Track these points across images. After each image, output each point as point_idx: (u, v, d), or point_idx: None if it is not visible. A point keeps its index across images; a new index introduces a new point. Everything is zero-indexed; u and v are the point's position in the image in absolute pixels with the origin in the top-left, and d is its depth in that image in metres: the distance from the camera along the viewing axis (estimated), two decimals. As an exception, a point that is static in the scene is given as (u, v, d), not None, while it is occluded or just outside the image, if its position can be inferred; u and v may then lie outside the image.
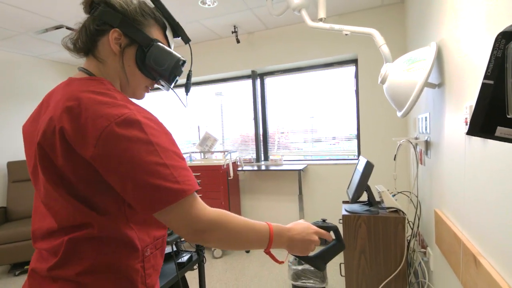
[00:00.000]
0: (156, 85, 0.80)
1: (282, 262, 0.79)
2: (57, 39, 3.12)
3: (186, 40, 0.79)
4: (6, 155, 3.46)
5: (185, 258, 1.59)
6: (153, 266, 0.72)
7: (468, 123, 0.60)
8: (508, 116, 0.57)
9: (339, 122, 3.24)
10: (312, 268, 2.06)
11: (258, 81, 3.52)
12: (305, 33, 3.07)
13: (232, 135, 3.80)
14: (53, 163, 0.61)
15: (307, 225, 0.79)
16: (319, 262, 0.83)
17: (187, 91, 0.84)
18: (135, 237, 0.67)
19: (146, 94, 0.80)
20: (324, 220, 0.85)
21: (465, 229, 1.10)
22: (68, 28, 2.83)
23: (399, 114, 1.53)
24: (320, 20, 1.75)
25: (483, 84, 0.68)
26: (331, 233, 0.84)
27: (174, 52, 0.73)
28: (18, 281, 2.80)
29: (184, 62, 0.75)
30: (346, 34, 1.69)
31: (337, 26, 1.70)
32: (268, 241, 0.70)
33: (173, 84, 0.78)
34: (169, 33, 0.76)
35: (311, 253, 0.82)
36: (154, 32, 0.72)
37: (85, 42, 0.69)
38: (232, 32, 3.13)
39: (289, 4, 1.80)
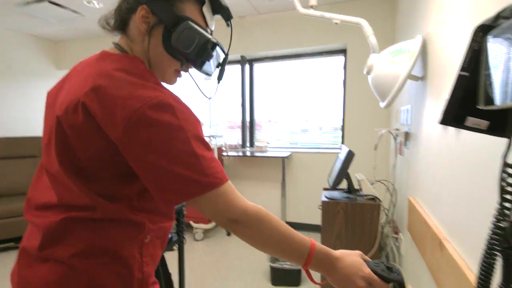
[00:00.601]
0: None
1: (317, 283, 0.69)
2: (40, 14, 2.96)
3: (228, 17, 0.70)
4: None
5: (166, 237, 1.61)
6: (151, 255, 0.68)
7: (442, 113, 0.63)
8: (478, 107, 0.60)
9: (327, 112, 3.28)
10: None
11: (247, 67, 3.49)
12: (297, 20, 3.05)
13: (219, 120, 3.79)
14: (68, 141, 0.58)
15: (359, 262, 0.64)
16: None
17: (219, 78, 0.76)
18: (140, 221, 0.64)
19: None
20: (389, 268, 0.64)
21: (435, 216, 1.17)
22: (50, 2, 2.69)
23: (382, 104, 1.57)
24: (311, 7, 1.74)
25: (459, 76, 0.71)
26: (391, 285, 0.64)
27: (205, 33, 0.64)
28: (-6, 257, 2.75)
29: (215, 44, 0.66)
30: (336, 23, 1.70)
31: (327, 14, 1.70)
32: (305, 260, 0.62)
33: (212, 71, 0.71)
34: (207, 9, 0.67)
35: None
36: (188, 8, 0.64)
37: (118, 21, 0.66)
38: (223, 14, 3.07)
39: (281, -12, 1.78)
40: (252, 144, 3.61)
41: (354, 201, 1.85)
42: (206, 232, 3.25)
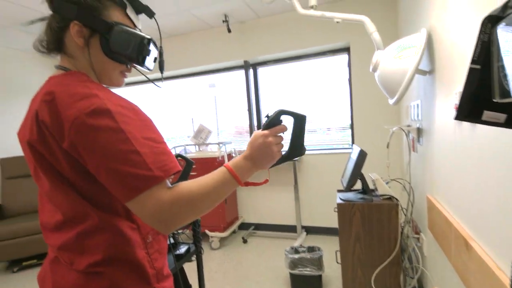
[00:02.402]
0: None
1: (267, 180, 0.78)
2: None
3: (150, 14, 0.76)
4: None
5: (182, 250, 1.61)
6: (158, 251, 0.74)
7: (456, 108, 0.60)
8: (494, 100, 0.57)
9: (333, 112, 3.24)
10: (309, 256, 2.09)
11: (251, 72, 3.49)
12: (297, 21, 3.04)
13: (227, 126, 3.79)
14: (45, 158, 0.63)
15: (255, 136, 0.72)
16: (295, 150, 0.77)
17: (161, 68, 0.81)
18: (133, 227, 0.69)
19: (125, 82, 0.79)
20: (267, 116, 0.74)
21: (456, 214, 1.12)
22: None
23: (391, 101, 1.53)
24: (311, 7, 1.72)
25: (470, 69, 0.68)
26: (283, 119, 0.75)
27: (137, 32, 0.70)
28: (17, 277, 2.81)
29: (149, 40, 0.72)
30: (337, 22, 1.67)
31: (328, 14, 1.68)
32: (235, 179, 0.68)
33: (151, 65, 0.76)
34: (130, 11, 0.72)
35: (284, 150, 0.75)
36: (114, 14, 0.68)
37: (53, 42, 0.68)
38: (223, 21, 3.08)
39: (280, -8, 1.77)
40: (262, 149, 3.58)
41: (370, 202, 1.80)
42: (222, 240, 3.23)
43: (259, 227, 3.51)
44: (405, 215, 1.95)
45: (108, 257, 0.65)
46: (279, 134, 0.73)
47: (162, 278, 0.73)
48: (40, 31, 0.70)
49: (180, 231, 1.65)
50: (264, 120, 0.75)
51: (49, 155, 0.62)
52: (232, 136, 3.77)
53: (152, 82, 0.84)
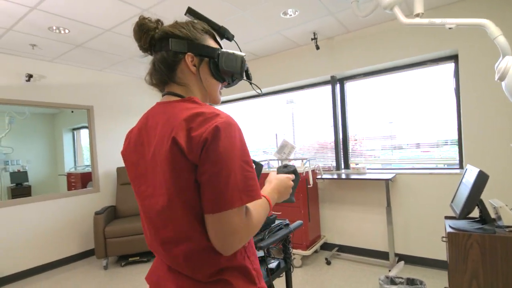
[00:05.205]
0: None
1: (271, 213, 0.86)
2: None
3: (232, 37, 0.87)
4: (116, 162, 4.07)
5: (273, 264, 1.60)
6: (254, 254, 0.81)
7: None
8: None
9: (427, 126, 2.90)
10: (409, 289, 1.85)
11: (337, 86, 3.40)
12: (390, 32, 2.86)
13: (304, 142, 3.75)
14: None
15: (277, 179, 0.89)
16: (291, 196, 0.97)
17: (250, 78, 0.91)
18: None
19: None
20: (286, 166, 1.00)
21: None
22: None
23: (525, 115, 1.28)
24: (417, 15, 1.60)
25: None
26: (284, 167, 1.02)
27: (237, 52, 0.82)
28: (124, 271, 3.23)
29: (244, 56, 0.84)
30: (449, 28, 1.51)
31: (438, 20, 1.53)
32: (270, 210, 0.79)
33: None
34: (217, 37, 0.85)
35: None
36: (211, 42, 0.81)
37: (167, 74, 0.78)
38: (312, 39, 3.11)
39: (380, 3, 1.69)
40: (347, 166, 3.42)
41: (492, 233, 1.51)
42: (304, 259, 3.14)
43: (343, 249, 3.30)
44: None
45: (224, 267, 0.71)
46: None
47: (261, 278, 0.80)
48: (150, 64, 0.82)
49: (272, 246, 1.66)
50: (282, 165, 1.04)
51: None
52: (312, 152, 3.70)
53: (256, 86, 0.98)
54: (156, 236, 0.73)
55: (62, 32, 2.67)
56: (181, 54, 0.76)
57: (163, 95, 0.81)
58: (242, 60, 0.82)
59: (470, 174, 1.64)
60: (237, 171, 0.64)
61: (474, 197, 1.55)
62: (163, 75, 0.78)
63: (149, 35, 0.77)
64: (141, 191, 0.76)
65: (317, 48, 3.10)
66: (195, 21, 0.82)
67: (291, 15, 2.59)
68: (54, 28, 2.58)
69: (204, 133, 0.63)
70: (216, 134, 0.63)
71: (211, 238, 0.66)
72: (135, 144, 0.78)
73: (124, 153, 0.83)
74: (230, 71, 0.80)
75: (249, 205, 0.71)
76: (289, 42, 3.30)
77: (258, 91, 0.99)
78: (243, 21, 2.68)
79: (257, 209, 0.72)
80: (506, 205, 1.62)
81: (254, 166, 1.23)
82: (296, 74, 3.52)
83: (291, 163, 3.47)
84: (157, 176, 0.70)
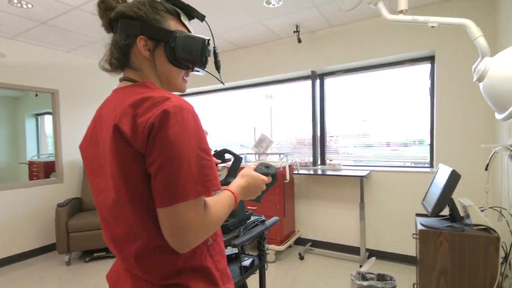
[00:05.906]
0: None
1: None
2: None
3: (201, 17, 0.79)
4: (83, 150, 3.82)
5: (247, 262, 1.55)
6: (219, 253, 0.75)
7: None
8: None
9: (399, 126, 2.96)
10: (380, 286, 1.88)
11: (317, 82, 3.39)
12: (372, 29, 2.87)
13: (282, 137, 3.72)
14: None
15: (256, 175, 0.85)
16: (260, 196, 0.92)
17: (218, 68, 0.83)
18: None
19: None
20: (267, 166, 0.94)
21: None
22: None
23: (500, 116, 1.30)
24: (401, 12, 1.58)
25: None
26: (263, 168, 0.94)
27: (197, 35, 0.73)
28: (88, 267, 3.05)
29: (208, 40, 0.74)
30: (432, 27, 1.50)
31: (421, 18, 1.52)
32: (235, 205, 0.74)
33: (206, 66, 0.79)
34: (184, 18, 0.75)
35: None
36: (172, 24, 0.72)
37: (119, 59, 0.71)
38: (294, 32, 3.05)
39: (365, -3, 1.66)
40: (323, 162, 3.43)
41: (461, 232, 1.55)
42: (277, 254, 3.13)
43: (316, 244, 3.33)
44: (505, 252, 1.64)
45: (181, 268, 0.66)
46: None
47: (226, 280, 0.74)
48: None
49: (247, 244, 1.60)
50: (263, 165, 0.96)
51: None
52: (289, 148, 3.68)
53: (218, 79, 0.88)
54: (108, 233, 0.68)
55: (25, 6, 2.42)
56: (133, 37, 0.69)
57: (120, 81, 0.74)
58: (203, 44, 0.72)
59: (443, 173, 1.67)
60: (191, 159, 0.58)
61: (446, 195, 1.58)
62: (117, 60, 0.71)
63: (108, 14, 0.70)
64: (94, 186, 0.69)
65: (299, 41, 3.06)
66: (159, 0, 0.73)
67: (274, 4, 2.52)
68: (15, 1, 2.34)
69: (151, 118, 0.57)
70: (164, 119, 0.57)
71: (164, 235, 0.59)
72: (91, 136, 0.73)
73: (81, 146, 0.76)
74: (187, 58, 0.71)
75: (210, 198, 0.65)
76: (271, 33, 3.22)
77: (221, 82, 0.89)
78: (224, 7, 2.57)
79: (220, 203, 0.67)
80: (475, 204, 1.66)
81: (233, 159, 1.16)
82: (277, 67, 3.46)
83: (269, 160, 3.43)
84: (108, 170, 0.63)
